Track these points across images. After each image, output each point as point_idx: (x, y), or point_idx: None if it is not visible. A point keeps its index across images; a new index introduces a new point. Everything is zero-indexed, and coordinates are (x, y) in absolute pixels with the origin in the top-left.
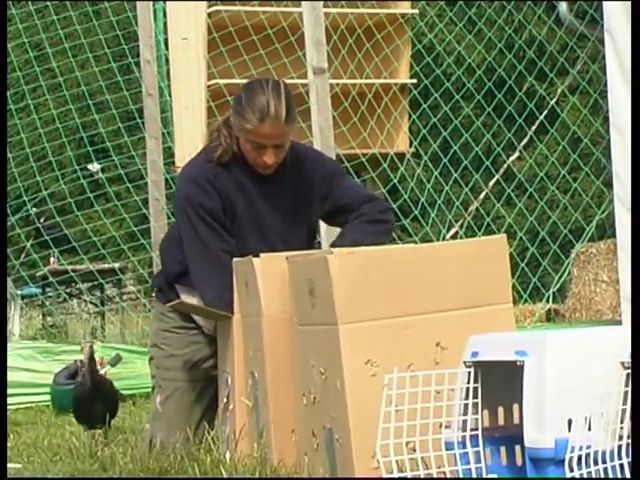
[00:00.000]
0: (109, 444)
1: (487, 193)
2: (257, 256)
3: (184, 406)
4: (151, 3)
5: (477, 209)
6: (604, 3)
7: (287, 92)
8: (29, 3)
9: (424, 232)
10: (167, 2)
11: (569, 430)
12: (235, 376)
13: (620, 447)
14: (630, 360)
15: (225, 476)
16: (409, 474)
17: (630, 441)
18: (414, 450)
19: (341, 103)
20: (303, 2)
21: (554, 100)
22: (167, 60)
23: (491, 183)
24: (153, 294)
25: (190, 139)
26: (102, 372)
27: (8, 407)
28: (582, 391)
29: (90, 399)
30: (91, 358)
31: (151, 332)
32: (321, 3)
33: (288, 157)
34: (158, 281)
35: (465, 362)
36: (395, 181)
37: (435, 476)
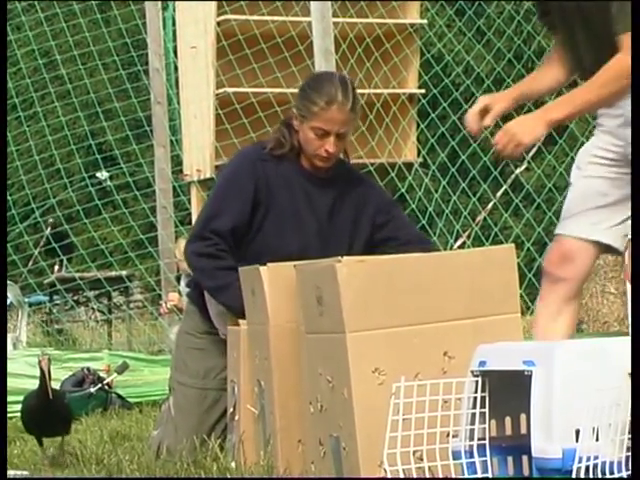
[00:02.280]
0: (116, 451)
1: (495, 203)
2: (290, 250)
3: (194, 414)
4: (160, 11)
5: (485, 219)
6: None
7: (353, 84)
8: (39, 11)
9: (431, 242)
10: (176, 10)
11: (577, 440)
12: (241, 385)
13: (628, 458)
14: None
15: None
16: None
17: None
18: (421, 459)
19: None
20: (312, 11)
21: None
22: (176, 68)
23: (499, 193)
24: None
25: (198, 147)
26: (109, 380)
27: (15, 414)
28: (590, 401)
29: (40, 412)
30: (48, 371)
31: (178, 330)
32: (330, 12)
33: (343, 171)
34: (192, 279)
35: (472, 371)
36: (403, 191)
37: None
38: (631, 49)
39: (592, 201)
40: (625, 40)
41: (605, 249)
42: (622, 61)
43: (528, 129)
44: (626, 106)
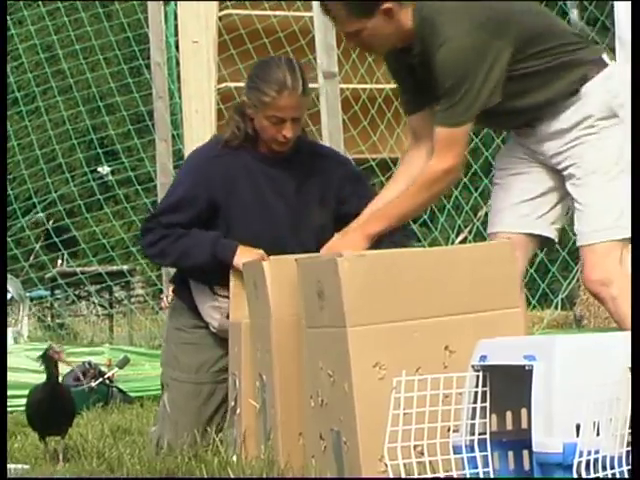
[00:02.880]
0: (117, 445)
1: None
2: (261, 239)
3: (191, 408)
4: (162, 6)
5: (486, 214)
6: (615, 10)
7: (300, 66)
8: (41, 5)
9: (433, 237)
10: (178, 5)
11: (577, 435)
12: (242, 378)
13: (628, 453)
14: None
15: (232, 477)
16: (417, 477)
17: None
18: (422, 454)
19: (351, 107)
20: (314, 6)
21: None
22: (178, 63)
23: None
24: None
25: (200, 142)
26: (110, 374)
27: (16, 408)
28: (591, 396)
29: (46, 406)
30: (55, 364)
31: (165, 326)
32: None
33: (302, 146)
34: (176, 274)
35: (473, 366)
36: None
37: None
38: (631, 49)
39: (518, 196)
40: (439, 136)
41: (539, 241)
42: (430, 170)
43: (350, 245)
44: (541, 125)
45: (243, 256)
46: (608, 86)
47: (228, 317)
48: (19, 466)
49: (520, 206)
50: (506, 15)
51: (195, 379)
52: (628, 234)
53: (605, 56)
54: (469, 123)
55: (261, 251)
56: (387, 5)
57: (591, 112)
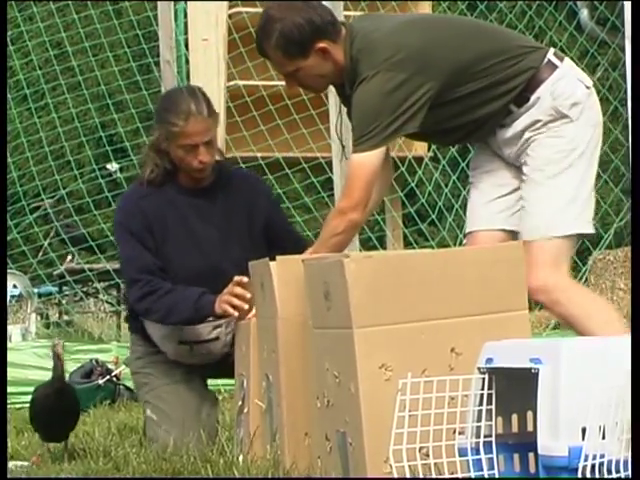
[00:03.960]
0: (123, 444)
1: None
2: (198, 269)
3: (176, 407)
4: (172, 3)
5: None
6: (625, 10)
7: (202, 91)
8: (50, 2)
9: (441, 236)
10: (188, 3)
11: (583, 438)
12: (250, 378)
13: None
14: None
15: (238, 477)
16: (422, 479)
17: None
18: (427, 456)
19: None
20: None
21: None
22: (187, 60)
23: None
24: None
25: None
26: (117, 372)
27: (23, 405)
28: (597, 399)
29: (53, 400)
30: (60, 360)
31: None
32: (341, 7)
33: (221, 174)
34: (128, 310)
35: (480, 368)
36: (413, 185)
37: None
38: (632, 49)
39: (491, 193)
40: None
41: (517, 237)
42: (328, 222)
43: None
44: (499, 132)
45: (222, 302)
46: (556, 91)
47: (180, 343)
48: (18, 463)
49: (494, 203)
50: (426, 51)
51: (170, 381)
52: (567, 232)
53: (553, 57)
54: (372, 159)
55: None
56: (321, 45)
57: (538, 117)
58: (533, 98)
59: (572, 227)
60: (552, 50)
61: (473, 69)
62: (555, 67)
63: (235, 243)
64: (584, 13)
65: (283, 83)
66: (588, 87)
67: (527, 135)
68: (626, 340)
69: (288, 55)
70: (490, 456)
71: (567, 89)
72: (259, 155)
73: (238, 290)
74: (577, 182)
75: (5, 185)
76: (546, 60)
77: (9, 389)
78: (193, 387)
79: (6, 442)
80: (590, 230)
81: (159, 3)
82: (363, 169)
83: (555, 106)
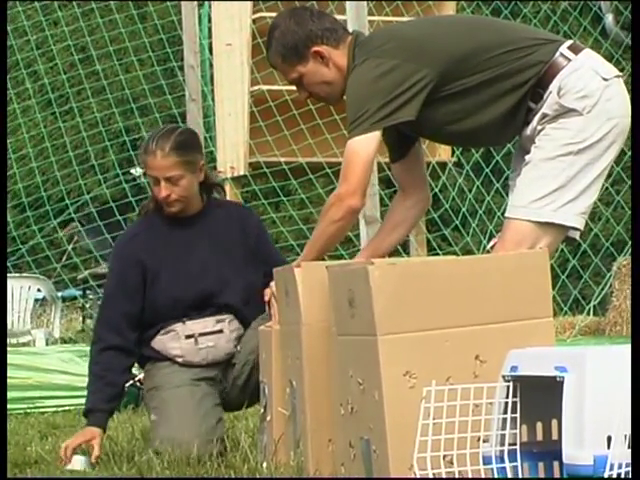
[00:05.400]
0: (147, 449)
1: None
2: (191, 296)
3: (175, 411)
4: (196, 8)
5: None
6: None
7: (183, 132)
8: (75, 6)
9: (464, 242)
10: (212, 7)
11: (608, 447)
12: (272, 386)
13: None
14: None
15: None
16: None
17: None
18: (451, 463)
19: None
20: (347, 10)
21: None
22: (211, 65)
23: None
24: None
25: (232, 144)
26: (140, 376)
27: (47, 409)
28: (622, 408)
29: None
30: None
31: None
32: (365, 11)
33: (210, 204)
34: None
35: (504, 376)
36: (436, 190)
37: None
38: (632, 47)
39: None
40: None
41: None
42: (326, 209)
43: None
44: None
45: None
46: (567, 85)
47: (186, 337)
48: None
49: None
50: (420, 40)
51: (176, 385)
52: (541, 218)
53: (566, 50)
54: (366, 143)
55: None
56: (316, 48)
57: (545, 111)
58: (546, 94)
59: (550, 215)
60: (568, 42)
61: (476, 59)
62: (568, 60)
63: (225, 268)
64: (609, 18)
65: None
66: (606, 79)
67: (538, 128)
68: None
69: (287, 61)
70: (515, 464)
71: (579, 83)
72: (282, 160)
73: None
74: (574, 172)
75: (5, 185)
76: (558, 54)
77: (33, 393)
78: (197, 391)
79: (6, 442)
80: (574, 224)
81: (183, 8)
82: (358, 154)
83: (559, 101)
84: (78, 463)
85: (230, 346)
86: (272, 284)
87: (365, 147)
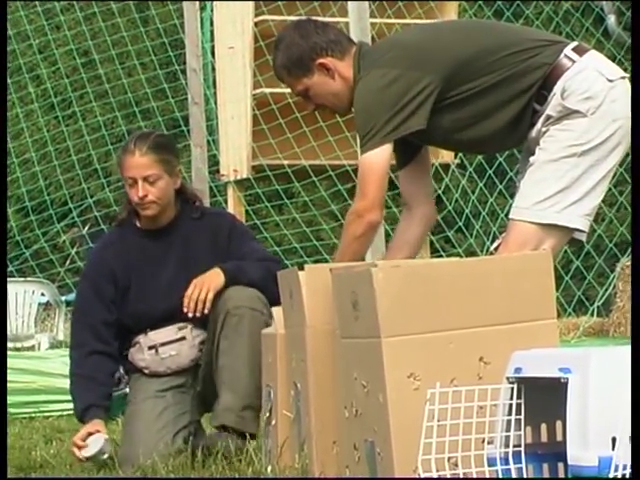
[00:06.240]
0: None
1: None
2: (154, 316)
3: (134, 424)
4: (198, 11)
5: None
6: None
7: (161, 135)
8: (77, 10)
9: (468, 243)
10: (214, 11)
11: (613, 448)
12: (277, 389)
13: None
14: None
15: None
16: None
17: None
18: (456, 465)
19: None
20: (350, 12)
21: None
22: (213, 68)
23: None
24: None
25: (235, 148)
26: None
27: (52, 413)
28: (627, 409)
29: None
30: None
31: None
32: (368, 13)
33: (183, 213)
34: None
35: (508, 378)
36: (440, 192)
37: None
38: (631, 49)
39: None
40: (358, 174)
41: None
42: (346, 227)
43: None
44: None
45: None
46: (571, 87)
47: (149, 348)
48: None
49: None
50: (420, 47)
51: (142, 398)
52: (545, 220)
53: (570, 52)
54: (378, 157)
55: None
56: (321, 61)
57: (549, 112)
58: (550, 95)
59: (554, 217)
60: (573, 44)
61: (479, 63)
62: (572, 62)
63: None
64: (611, 19)
65: None
66: (611, 80)
67: (543, 129)
68: None
69: (293, 74)
70: (519, 466)
71: (583, 84)
72: (285, 163)
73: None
74: (578, 174)
75: (5, 185)
76: (562, 55)
77: (38, 398)
78: (159, 403)
79: (6, 442)
80: (579, 225)
81: (185, 11)
82: (372, 169)
83: (562, 103)
84: (96, 444)
85: (194, 352)
86: (193, 283)
87: (378, 161)
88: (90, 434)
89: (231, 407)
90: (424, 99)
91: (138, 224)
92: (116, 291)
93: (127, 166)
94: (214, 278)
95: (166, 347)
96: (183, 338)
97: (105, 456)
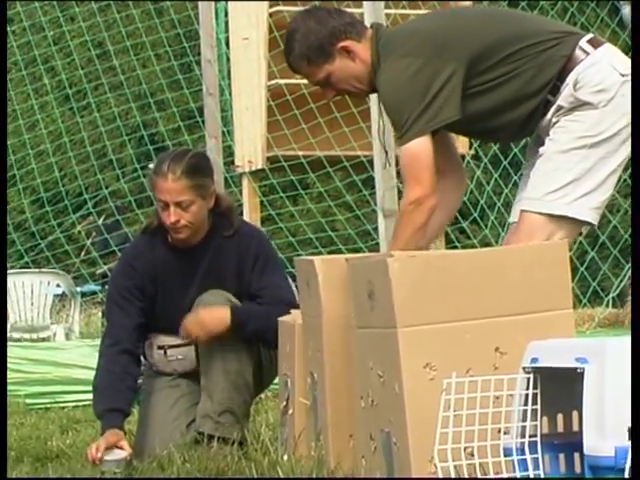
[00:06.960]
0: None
1: None
2: (175, 327)
3: (148, 415)
4: (213, 2)
5: None
6: None
7: (195, 156)
8: (92, 2)
9: (483, 234)
10: (229, 2)
11: (629, 438)
12: (295, 378)
13: None
14: None
15: (282, 477)
16: (467, 479)
17: None
18: (472, 455)
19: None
20: (364, 3)
21: None
22: (228, 59)
23: None
24: None
25: (250, 139)
26: None
27: (68, 404)
28: None
29: None
30: None
31: None
32: (382, 4)
33: (216, 233)
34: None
35: (524, 368)
36: None
37: None
38: (631, 49)
39: (522, 187)
40: (401, 167)
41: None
42: (401, 206)
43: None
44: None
45: (105, 438)
46: (584, 79)
47: (158, 348)
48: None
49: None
50: (441, 34)
51: (156, 389)
52: (554, 211)
53: (585, 44)
54: (422, 145)
55: (119, 441)
56: (342, 44)
57: (560, 103)
58: (562, 86)
59: (563, 209)
60: (588, 36)
61: (499, 53)
62: (586, 54)
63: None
64: (626, 10)
65: None
66: (623, 74)
67: (554, 120)
68: None
69: (314, 63)
70: (535, 456)
71: (596, 77)
72: (300, 153)
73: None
74: (589, 166)
75: (5, 185)
76: (577, 47)
77: (53, 388)
78: (174, 393)
79: (6, 442)
80: (588, 218)
81: (200, 2)
82: (418, 158)
83: (574, 94)
84: (114, 459)
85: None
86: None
87: (423, 148)
88: (109, 445)
89: (208, 413)
90: (453, 87)
91: (169, 238)
92: (144, 299)
93: (159, 189)
94: (216, 324)
95: (174, 350)
96: (191, 343)
97: (117, 470)
